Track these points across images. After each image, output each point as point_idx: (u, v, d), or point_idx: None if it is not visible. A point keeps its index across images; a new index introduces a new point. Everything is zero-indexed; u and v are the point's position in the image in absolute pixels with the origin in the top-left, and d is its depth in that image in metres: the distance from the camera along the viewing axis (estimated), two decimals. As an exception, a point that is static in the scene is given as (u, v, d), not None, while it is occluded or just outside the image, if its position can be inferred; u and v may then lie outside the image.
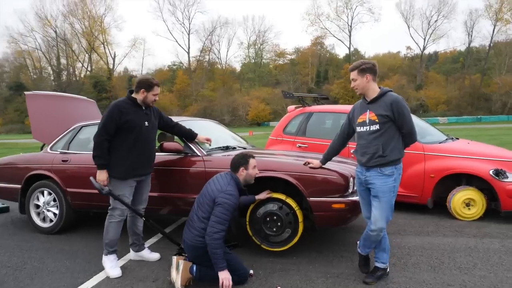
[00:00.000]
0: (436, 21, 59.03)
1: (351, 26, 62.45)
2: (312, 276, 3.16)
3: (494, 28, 55.58)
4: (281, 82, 59.00)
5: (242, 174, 3.18)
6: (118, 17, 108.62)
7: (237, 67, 69.97)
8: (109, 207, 3.40)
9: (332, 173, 3.38)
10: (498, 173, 4.47)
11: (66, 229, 4.54)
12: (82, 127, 4.62)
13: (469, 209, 4.70)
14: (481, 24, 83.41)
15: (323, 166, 3.40)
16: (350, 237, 4.14)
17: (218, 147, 4.11)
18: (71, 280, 3.23)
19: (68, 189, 4.34)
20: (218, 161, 3.73)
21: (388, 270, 3.13)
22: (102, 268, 3.42)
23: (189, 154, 3.85)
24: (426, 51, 61.72)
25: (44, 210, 4.51)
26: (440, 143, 5.18)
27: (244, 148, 4.40)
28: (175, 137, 4.03)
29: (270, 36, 78.29)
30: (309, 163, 3.42)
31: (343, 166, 3.70)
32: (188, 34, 64.22)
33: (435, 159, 4.87)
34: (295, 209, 3.43)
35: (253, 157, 3.28)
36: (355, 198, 3.38)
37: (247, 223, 3.60)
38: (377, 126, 2.87)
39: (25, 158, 4.84)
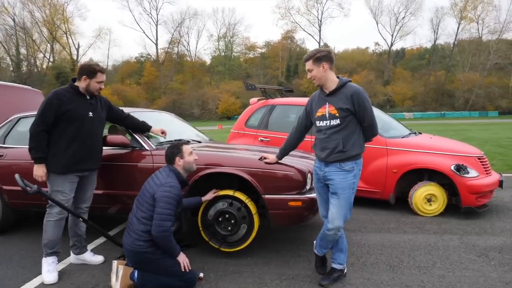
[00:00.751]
0: (403, 17, 60.62)
1: (321, 21, 63.04)
2: (266, 279, 2.96)
3: (459, 26, 57.72)
4: (251, 75, 58.76)
5: (179, 164, 2.93)
6: (81, 6, 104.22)
7: (207, 59, 69.17)
8: (47, 205, 3.07)
9: (289, 168, 3.17)
10: (459, 168, 4.43)
11: (3, 231, 4.12)
12: (20, 118, 4.18)
13: (430, 204, 4.64)
14: (446, 22, 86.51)
15: (279, 161, 3.19)
16: (309, 235, 3.97)
17: (170, 141, 3.80)
18: (-3, 290, 2.87)
19: (4, 187, 3.93)
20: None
21: (345, 271, 2.97)
22: (36, 274, 3.09)
23: (137, 148, 3.54)
24: (394, 47, 63.27)
25: (-22, 210, 4.07)
26: (403, 137, 5.10)
27: (199, 142, 4.12)
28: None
29: (241, 29, 77.80)
30: (264, 158, 3.20)
31: (301, 161, 3.50)
32: (156, 25, 62.70)
33: (397, 154, 4.77)
34: (246, 202, 3.21)
35: (187, 143, 3.06)
36: (313, 195, 3.19)
37: (200, 228, 3.35)
38: (338, 121, 2.68)
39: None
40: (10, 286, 2.93)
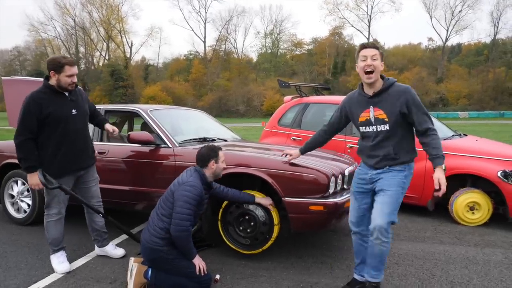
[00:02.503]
0: (460, 11, 56.81)
1: (370, 16, 60.82)
2: (283, 285, 2.84)
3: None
4: (297, 72, 58.13)
5: (212, 168, 2.86)
6: (135, 6, 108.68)
7: (253, 57, 69.29)
8: (45, 206, 3.10)
9: (311, 171, 3.02)
10: (507, 175, 4.02)
11: (40, 221, 4.33)
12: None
13: (473, 213, 4.27)
14: (508, 15, 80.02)
15: (301, 163, 3.05)
16: (336, 240, 3.79)
17: (194, 139, 3.79)
18: (25, 278, 2.99)
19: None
20: (189, 153, 3.42)
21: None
22: (51, 271, 3.17)
23: (161, 146, 3.56)
24: (449, 43, 59.57)
25: (18, 201, 4.31)
26: (445, 139, 4.73)
27: (225, 140, 4.07)
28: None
29: (288, 25, 77.16)
30: (287, 155, 3.07)
31: (326, 163, 3.34)
32: (205, 23, 64.02)
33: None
34: (271, 210, 3.10)
35: (222, 149, 2.97)
36: (337, 199, 3.02)
37: (219, 221, 3.30)
38: (387, 126, 2.45)
39: (-1, 146, 4.64)
40: (36, 276, 3.03)
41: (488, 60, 55.66)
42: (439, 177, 2.38)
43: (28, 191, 4.26)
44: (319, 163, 3.23)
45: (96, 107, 3.45)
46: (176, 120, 4.03)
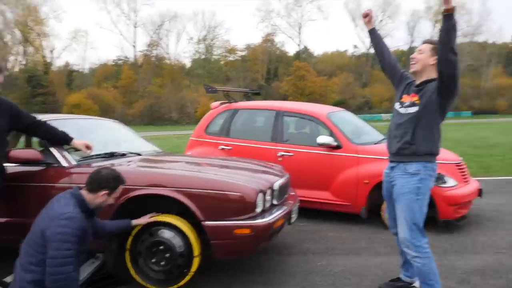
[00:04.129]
0: (381, 21, 61.05)
1: (300, 24, 62.91)
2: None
3: (434, 28, 58.57)
4: (231, 78, 58.08)
5: (100, 198, 2.31)
6: (57, 7, 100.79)
7: (187, 62, 67.95)
8: None
9: (235, 187, 2.60)
10: (436, 178, 3.95)
11: None
12: None
13: (405, 219, 4.16)
14: (422, 25, 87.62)
15: (223, 178, 2.63)
16: (269, 260, 3.41)
17: (98, 155, 3.17)
18: None
19: None
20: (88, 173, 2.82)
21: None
22: None
23: (54, 165, 2.90)
24: (372, 50, 63.65)
25: None
26: (375, 144, 4.60)
27: (139, 154, 3.50)
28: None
29: (221, 32, 76.23)
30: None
31: (251, 176, 2.94)
32: (135, 28, 61.22)
33: (369, 162, 4.27)
34: (191, 239, 2.61)
35: (124, 183, 2.44)
36: (266, 220, 2.64)
37: (127, 252, 2.73)
38: (416, 108, 2.45)
39: None
40: None
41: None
42: None
43: None
44: (244, 177, 2.82)
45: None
46: (78, 133, 3.38)
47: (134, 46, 61.64)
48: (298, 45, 63.87)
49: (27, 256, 2.12)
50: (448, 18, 2.16)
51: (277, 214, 2.78)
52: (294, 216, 3.25)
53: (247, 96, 6.03)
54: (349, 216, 4.48)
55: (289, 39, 72.91)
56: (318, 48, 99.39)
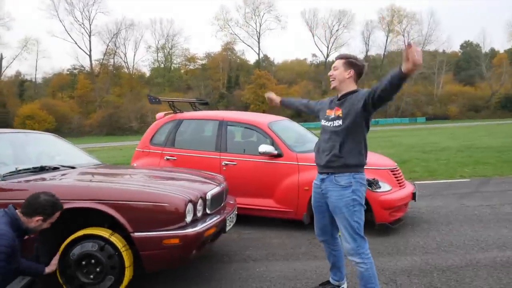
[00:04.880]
0: (337, 30, 63.32)
1: (259, 33, 63.74)
2: None
3: (387, 38, 61.43)
4: (192, 87, 57.81)
5: (35, 223, 2.30)
6: (4, 14, 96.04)
7: (146, 71, 66.85)
8: None
9: (163, 198, 2.63)
10: (371, 183, 4.16)
11: None
12: None
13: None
14: (376, 35, 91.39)
15: (151, 189, 2.65)
16: (209, 268, 3.44)
17: (27, 169, 3.09)
18: None
19: None
20: (15, 188, 2.74)
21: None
22: None
23: (-25, 181, 2.79)
24: (330, 58, 65.50)
25: None
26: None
27: (73, 167, 3.43)
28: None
29: (180, 40, 75.47)
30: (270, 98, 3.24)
31: (181, 186, 2.97)
32: (89, 36, 59.44)
33: (309, 170, 4.40)
34: (121, 250, 2.61)
35: (61, 210, 2.42)
36: (196, 229, 2.67)
37: (57, 270, 2.67)
38: (340, 122, 2.53)
39: None
40: None
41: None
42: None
43: None
44: (173, 187, 2.85)
45: None
46: (9, 147, 3.28)
47: (89, 55, 59.87)
48: (258, 54, 64.68)
49: None
50: (405, 76, 2.10)
51: (208, 223, 2.83)
52: (229, 224, 3.30)
53: (194, 106, 6.06)
54: (294, 223, 4.60)
55: (249, 48, 73.58)
56: (278, 57, 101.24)
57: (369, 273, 2.52)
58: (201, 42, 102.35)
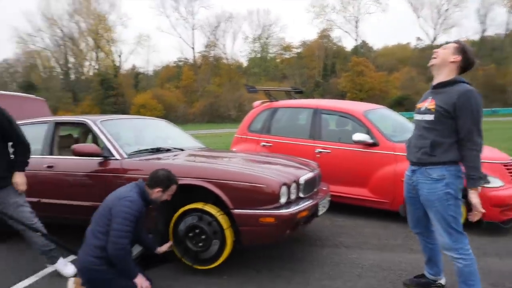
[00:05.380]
0: (446, 10, 57.34)
1: (357, 18, 61.13)
2: (233, 304, 2.64)
3: (509, 15, 53.77)
4: (288, 76, 58.18)
5: (155, 194, 2.71)
6: (122, 15, 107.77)
7: (243, 61, 69.29)
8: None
9: (259, 179, 2.83)
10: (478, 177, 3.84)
11: None
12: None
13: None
14: (495, 12, 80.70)
15: (250, 172, 2.88)
16: (301, 250, 3.59)
17: (145, 150, 3.59)
18: None
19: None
20: (138, 165, 3.22)
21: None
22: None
23: (108, 158, 3.35)
24: (437, 42, 59.97)
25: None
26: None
27: (182, 150, 3.86)
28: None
29: (276, 29, 76.29)
30: None
31: (277, 170, 3.14)
32: (192, 30, 63.75)
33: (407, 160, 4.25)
34: (217, 216, 2.90)
35: (176, 184, 2.79)
36: (290, 210, 2.83)
37: (172, 243, 3.10)
38: (432, 117, 2.39)
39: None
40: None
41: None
42: (473, 202, 2.30)
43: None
44: (270, 171, 3.04)
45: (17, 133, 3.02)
46: (131, 131, 3.83)
47: (192, 48, 64.33)
48: (356, 39, 62.16)
49: (96, 226, 2.56)
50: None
51: (301, 206, 2.96)
52: (322, 209, 3.39)
53: (290, 95, 6.21)
54: (389, 214, 4.49)
55: (346, 34, 70.99)
56: (377, 42, 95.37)
57: (469, 269, 2.39)
58: (296, 31, 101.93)
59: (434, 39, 58.70)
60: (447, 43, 2.52)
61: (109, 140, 3.44)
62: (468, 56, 2.41)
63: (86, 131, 4.90)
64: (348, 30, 62.85)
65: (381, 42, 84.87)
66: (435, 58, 2.47)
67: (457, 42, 2.49)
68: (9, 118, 2.97)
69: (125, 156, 3.34)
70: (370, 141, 4.39)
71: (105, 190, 3.22)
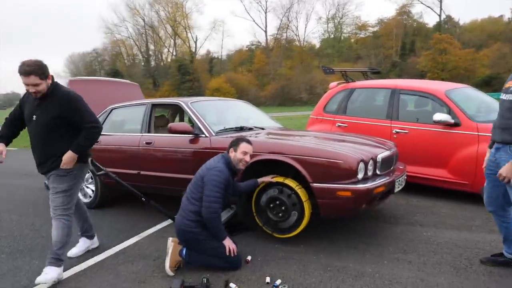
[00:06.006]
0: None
1: (443, -10, 56.13)
2: (311, 268, 2.91)
3: None
4: (362, 56, 55.99)
5: (230, 155, 3.08)
6: (198, 1, 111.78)
7: (316, 43, 67.97)
8: (65, 207, 2.94)
9: (338, 155, 3.03)
10: None
11: (102, 205, 4.81)
12: (112, 109, 4.81)
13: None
14: None
15: (329, 148, 3.08)
16: (375, 226, 3.73)
17: (231, 128, 3.97)
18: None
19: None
20: (225, 142, 3.60)
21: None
22: (117, 244, 3.56)
23: (199, 135, 3.79)
24: (538, 13, 53.04)
25: (84, 187, 4.84)
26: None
27: (263, 129, 4.18)
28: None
29: (351, 8, 73.72)
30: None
31: (355, 147, 3.30)
32: (265, 12, 64.13)
33: (491, 141, 4.11)
34: (296, 189, 3.17)
35: (248, 142, 3.11)
36: (366, 185, 3.00)
37: (254, 213, 3.45)
38: None
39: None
40: (94, 252, 3.44)
41: None
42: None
43: (91, 178, 4.76)
44: (348, 148, 3.21)
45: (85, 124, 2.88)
46: (216, 111, 4.24)
47: (265, 31, 64.59)
48: (439, 15, 57.31)
49: (191, 193, 3.00)
50: None
51: (378, 182, 3.10)
52: (398, 187, 3.49)
53: (366, 76, 6.20)
54: (468, 196, 4.40)
55: (428, 9, 65.70)
56: (464, 17, 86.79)
57: None
58: (373, 8, 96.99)
59: (533, 9, 51.83)
60: None
61: (199, 120, 3.87)
62: None
63: (174, 112, 5.47)
64: (431, 5, 58.18)
65: (468, 16, 77.32)
66: None
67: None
68: (75, 104, 2.87)
69: (213, 134, 3.75)
70: (452, 121, 4.31)
71: (196, 163, 3.67)
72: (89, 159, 3.20)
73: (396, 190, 3.45)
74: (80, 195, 4.88)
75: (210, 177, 2.90)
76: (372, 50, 56.35)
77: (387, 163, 3.43)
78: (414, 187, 4.70)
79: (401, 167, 3.82)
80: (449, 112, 4.38)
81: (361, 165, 3.02)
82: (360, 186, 2.97)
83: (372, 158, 3.17)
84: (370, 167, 3.13)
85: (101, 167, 3.47)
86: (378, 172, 3.25)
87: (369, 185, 3.01)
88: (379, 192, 3.11)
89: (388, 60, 54.35)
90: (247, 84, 57.16)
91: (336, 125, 5.44)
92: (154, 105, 4.47)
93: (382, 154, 3.33)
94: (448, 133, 4.37)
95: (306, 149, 3.14)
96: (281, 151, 3.25)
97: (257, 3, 66.99)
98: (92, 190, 4.77)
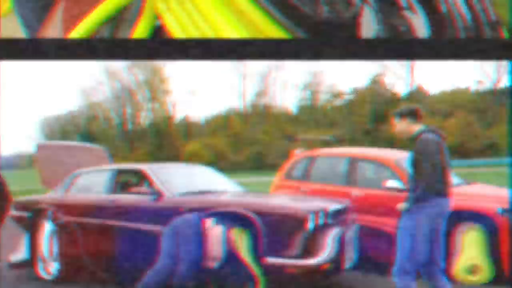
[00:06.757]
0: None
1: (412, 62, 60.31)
2: None
3: None
4: (336, 123, 58.06)
5: None
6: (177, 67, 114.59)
7: (292, 110, 70.36)
8: None
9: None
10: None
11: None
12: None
13: None
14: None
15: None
16: None
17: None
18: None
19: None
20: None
21: None
22: None
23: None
24: (501, 84, 57.45)
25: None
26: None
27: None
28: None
29: (326, 76, 77.86)
30: None
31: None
32: (243, 79, 66.23)
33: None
34: None
35: None
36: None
37: None
38: None
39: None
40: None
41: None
42: None
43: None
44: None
45: None
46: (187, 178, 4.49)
47: (242, 97, 66.55)
48: (410, 85, 61.12)
49: None
50: None
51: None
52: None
53: (328, 144, 6.60)
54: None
55: (400, 80, 70.15)
56: (434, 87, 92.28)
57: None
58: (348, 76, 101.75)
59: (497, 81, 56.09)
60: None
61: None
62: None
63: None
64: (401, 76, 62.05)
65: (438, 87, 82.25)
66: None
67: None
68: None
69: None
70: (402, 188, 4.56)
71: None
72: None
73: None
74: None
75: None
76: (346, 117, 58.62)
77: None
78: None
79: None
80: (400, 179, 4.67)
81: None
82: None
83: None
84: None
85: None
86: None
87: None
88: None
89: (362, 127, 56.50)
90: (224, 149, 57.68)
91: (300, 190, 5.62)
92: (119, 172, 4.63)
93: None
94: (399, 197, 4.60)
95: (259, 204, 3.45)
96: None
97: (236, 69, 69.91)
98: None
